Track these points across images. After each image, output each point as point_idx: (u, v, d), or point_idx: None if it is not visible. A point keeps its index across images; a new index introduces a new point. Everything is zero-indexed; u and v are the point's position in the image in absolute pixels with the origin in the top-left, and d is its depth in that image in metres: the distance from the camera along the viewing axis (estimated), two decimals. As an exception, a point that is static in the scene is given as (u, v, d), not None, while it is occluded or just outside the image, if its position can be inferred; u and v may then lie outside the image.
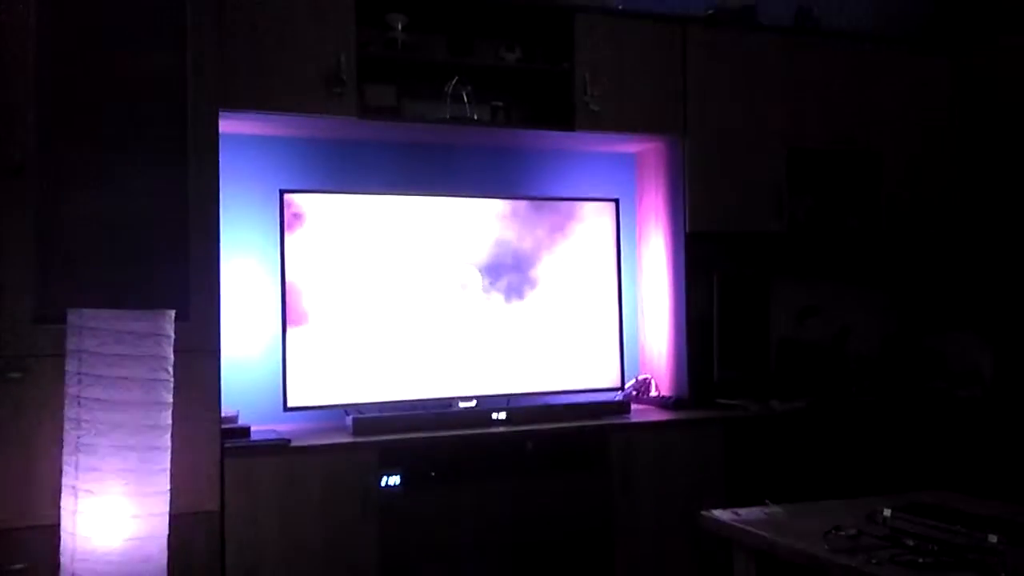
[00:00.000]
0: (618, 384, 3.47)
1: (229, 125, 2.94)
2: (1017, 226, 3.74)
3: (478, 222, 3.28)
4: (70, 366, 2.21)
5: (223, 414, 2.70)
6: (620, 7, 3.43)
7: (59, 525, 2.24)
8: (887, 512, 2.11)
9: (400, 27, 3.13)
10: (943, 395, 3.67)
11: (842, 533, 1.98)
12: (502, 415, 3.13)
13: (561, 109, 3.33)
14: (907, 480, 3.31)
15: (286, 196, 3.04)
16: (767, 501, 2.38)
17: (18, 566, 2.39)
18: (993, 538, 1.87)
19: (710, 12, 3.59)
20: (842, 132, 3.70)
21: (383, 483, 2.85)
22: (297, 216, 3.04)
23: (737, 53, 3.54)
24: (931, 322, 4.03)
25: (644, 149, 3.70)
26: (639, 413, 3.37)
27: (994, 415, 3.66)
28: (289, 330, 3.01)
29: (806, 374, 3.75)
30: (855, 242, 3.95)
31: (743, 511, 2.35)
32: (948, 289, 4.03)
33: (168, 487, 2.30)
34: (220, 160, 2.68)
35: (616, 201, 3.52)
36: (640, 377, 3.65)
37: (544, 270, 3.37)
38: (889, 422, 3.53)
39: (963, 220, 3.92)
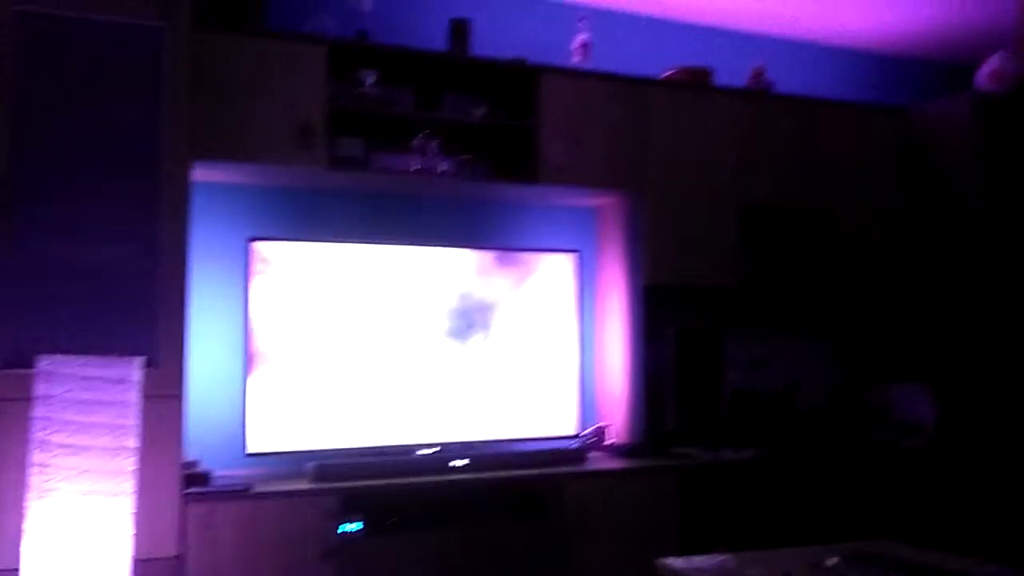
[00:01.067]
0: (575, 432, 3.54)
1: (201, 173, 3.00)
2: (957, 280, 3.90)
3: (443, 271, 3.36)
4: (37, 412, 2.23)
5: (184, 459, 2.72)
6: (583, 67, 3.55)
7: (19, 570, 2.24)
8: (833, 561, 2.20)
9: (370, 82, 3.22)
10: (887, 446, 3.80)
11: (790, 583, 2.06)
12: (462, 462, 3.18)
13: (525, 163, 3.43)
14: (854, 529, 3.42)
15: (253, 244, 3.09)
16: (719, 549, 2.46)
17: (-25, 611, 2.38)
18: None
19: (669, 74, 3.73)
20: (793, 189, 3.85)
21: (343, 529, 2.88)
22: (264, 263, 3.09)
23: (694, 113, 3.68)
24: (877, 374, 4.17)
25: (605, 203, 3.81)
26: (595, 461, 3.44)
27: (936, 466, 3.79)
28: (252, 376, 3.04)
29: (757, 424, 3.85)
30: (805, 296, 4.09)
31: (696, 559, 2.43)
32: (894, 342, 4.18)
33: (132, 532, 2.31)
34: (191, 208, 2.73)
35: (577, 253, 3.62)
36: (597, 425, 3.73)
37: (506, 319, 3.45)
38: (836, 472, 3.64)
39: (908, 274, 4.08)
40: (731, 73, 3.95)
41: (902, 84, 4.69)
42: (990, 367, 3.81)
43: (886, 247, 4.05)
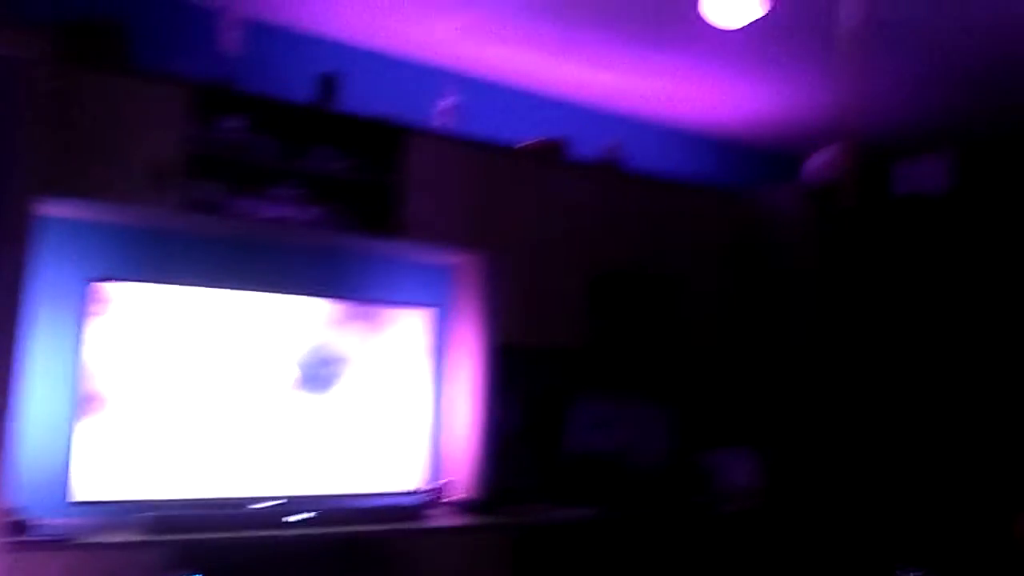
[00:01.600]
0: (421, 487, 3.57)
1: (53, 209, 2.89)
2: (784, 351, 4.20)
3: (297, 321, 3.34)
4: None
5: (5, 507, 2.57)
6: (448, 130, 3.65)
7: None
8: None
9: (234, 127, 3.19)
10: (711, 509, 4.01)
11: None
12: (303, 516, 3.14)
13: (387, 218, 3.47)
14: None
15: (93, 284, 2.98)
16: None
17: None
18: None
19: (529, 143, 3.89)
20: (640, 260, 4.06)
21: (174, 583, 2.80)
22: (107, 304, 2.99)
23: (551, 182, 3.83)
24: (711, 438, 4.40)
25: (462, 262, 3.90)
26: (437, 517, 3.47)
27: (757, 529, 4.03)
28: (83, 421, 2.92)
29: (595, 485, 3.99)
30: (647, 361, 4.29)
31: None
32: (727, 408, 4.44)
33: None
34: (38, 244, 2.63)
35: (433, 309, 3.68)
36: (441, 481, 3.76)
37: (358, 372, 3.46)
38: (663, 534, 3.81)
39: (742, 345, 4.35)
40: (587, 145, 4.15)
41: (742, 168, 5.04)
42: (814, 435, 4.10)
43: (723, 319, 4.32)
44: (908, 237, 4.55)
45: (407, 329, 3.59)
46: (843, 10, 2.22)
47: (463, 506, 3.61)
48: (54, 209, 2.99)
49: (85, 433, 2.92)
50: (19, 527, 2.67)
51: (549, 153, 3.88)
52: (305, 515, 3.15)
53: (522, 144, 3.89)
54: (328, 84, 3.42)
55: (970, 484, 4.60)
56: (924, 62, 3.82)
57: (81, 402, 2.92)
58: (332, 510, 3.26)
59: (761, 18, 2.56)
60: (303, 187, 3.35)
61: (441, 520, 3.43)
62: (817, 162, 4.39)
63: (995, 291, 4.78)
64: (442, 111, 3.71)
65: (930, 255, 4.60)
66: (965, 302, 4.67)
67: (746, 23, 2.49)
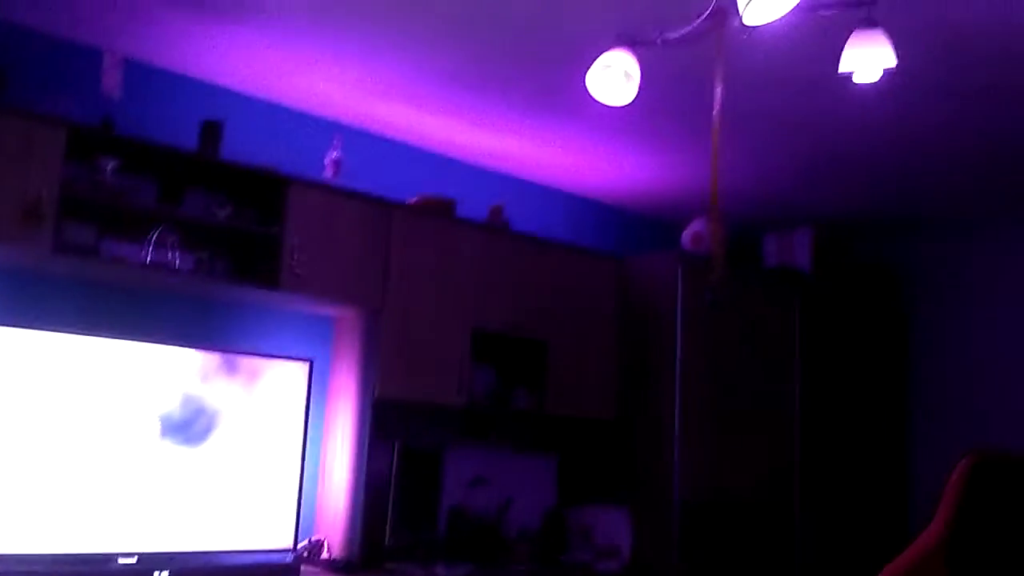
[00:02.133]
0: (291, 545, 3.47)
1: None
2: (657, 409, 4.31)
3: (166, 371, 3.25)
4: None
5: None
6: (334, 183, 3.67)
7: None
8: None
9: (111, 169, 3.13)
10: (585, 568, 4.04)
11: None
12: (165, 574, 3.02)
13: (267, 269, 3.44)
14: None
15: (-46, 324, 2.85)
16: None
17: None
18: None
19: (415, 200, 3.93)
20: (518, 318, 4.13)
21: (20, 645, 2.63)
22: (-36, 346, 2.85)
23: (436, 240, 3.88)
24: (586, 495, 4.45)
25: (343, 314, 3.88)
26: (309, 575, 3.39)
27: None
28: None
29: (472, 542, 3.97)
30: (523, 418, 4.33)
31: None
32: (601, 465, 4.50)
33: None
34: None
35: (310, 362, 3.64)
36: (314, 538, 3.68)
37: (228, 425, 3.37)
38: (541, 591, 3.82)
39: (618, 402, 4.45)
40: (472, 205, 4.23)
41: (623, 232, 5.21)
42: (682, 494, 4.20)
43: (599, 376, 4.41)
44: (778, 306, 4.78)
45: (283, 381, 3.53)
46: (710, 97, 2.41)
47: (337, 564, 3.54)
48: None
49: (-70, 483, 2.74)
50: None
51: (436, 210, 3.94)
52: (168, 572, 3.02)
53: (409, 200, 3.93)
54: (211, 130, 3.40)
55: (843, 537, 4.78)
56: (781, 144, 4.10)
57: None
58: (201, 567, 3.14)
59: (642, 98, 2.71)
60: (181, 233, 3.29)
61: (313, 578, 3.35)
62: (691, 231, 4.60)
63: (854, 358, 5.06)
64: (329, 163, 3.73)
65: (798, 323, 4.84)
66: (829, 369, 4.93)
67: (626, 103, 2.64)
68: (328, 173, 3.71)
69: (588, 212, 5.09)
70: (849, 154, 4.17)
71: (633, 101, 2.66)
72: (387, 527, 3.69)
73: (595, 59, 2.56)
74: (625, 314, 4.53)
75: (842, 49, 2.34)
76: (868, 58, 2.31)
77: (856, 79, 2.41)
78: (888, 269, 5.40)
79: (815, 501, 4.78)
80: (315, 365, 3.68)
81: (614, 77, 2.59)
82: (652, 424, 4.33)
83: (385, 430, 3.72)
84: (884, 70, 2.35)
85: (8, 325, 2.96)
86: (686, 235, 4.57)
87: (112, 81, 3.19)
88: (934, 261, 5.35)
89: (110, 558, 3.03)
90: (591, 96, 2.65)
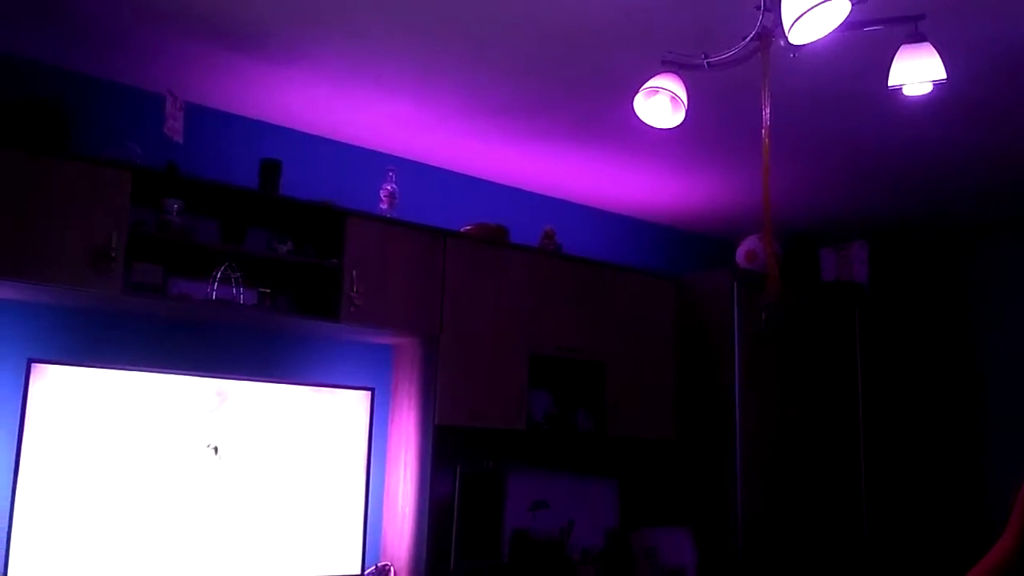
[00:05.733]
0: (358, 571, 3.53)
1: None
2: (718, 429, 4.29)
3: (234, 403, 3.34)
4: None
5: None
6: (389, 215, 3.74)
7: None
8: None
9: (176, 210, 3.24)
10: (654, 588, 4.03)
11: None
12: (239, 602, 3.09)
13: (328, 301, 3.52)
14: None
15: (34, 365, 2.97)
16: None
17: None
18: None
19: (469, 228, 3.99)
20: (575, 341, 4.15)
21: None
22: (44, 385, 2.96)
23: (490, 266, 3.93)
24: (648, 516, 4.44)
25: (402, 343, 3.94)
26: (377, 601, 3.44)
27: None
28: (18, 505, 2.86)
29: (535, 564, 3.99)
30: (583, 441, 4.34)
31: None
32: (664, 486, 4.49)
33: None
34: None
35: (371, 390, 3.70)
36: (380, 564, 3.73)
37: (294, 454, 3.45)
38: (607, 613, 3.81)
39: (678, 424, 4.44)
40: (524, 231, 4.27)
41: (677, 253, 5.21)
42: (745, 512, 4.16)
43: (658, 397, 4.41)
44: (836, 321, 4.73)
45: (345, 410, 3.60)
46: (758, 115, 2.42)
47: (403, 589, 3.58)
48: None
49: (23, 518, 2.85)
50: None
51: (490, 238, 3.99)
52: (241, 600, 3.09)
53: (462, 228, 3.99)
54: (270, 168, 3.50)
55: (907, 558, 4.69)
56: (832, 159, 4.07)
57: (19, 486, 2.87)
58: (269, 595, 3.21)
59: (690, 119, 2.73)
60: (243, 270, 3.39)
61: (380, 604, 3.40)
62: (745, 248, 4.58)
63: (916, 372, 4.98)
64: (384, 195, 3.80)
65: (858, 338, 4.78)
66: (891, 384, 4.85)
67: (674, 126, 2.65)
68: (383, 205, 3.78)
69: (641, 233, 5.10)
70: (901, 166, 4.13)
71: (682, 123, 2.68)
72: (452, 551, 3.73)
73: (642, 84, 2.59)
74: (682, 333, 4.53)
75: (889, 64, 2.34)
76: (917, 70, 2.31)
77: (906, 92, 2.40)
78: (949, 279, 5.30)
79: (883, 517, 4.70)
80: (376, 393, 3.74)
81: (661, 101, 2.61)
82: (713, 443, 4.31)
83: (447, 455, 3.77)
84: (934, 83, 2.34)
85: (82, 364, 3.08)
86: (740, 252, 4.56)
87: (174, 125, 3.30)
88: (996, 268, 5.24)
89: (185, 588, 3.11)
90: (639, 120, 2.67)
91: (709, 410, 4.36)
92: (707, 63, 2.51)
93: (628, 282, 4.40)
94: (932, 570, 4.64)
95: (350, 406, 3.62)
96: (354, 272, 3.52)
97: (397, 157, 4.15)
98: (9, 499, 2.88)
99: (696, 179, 4.40)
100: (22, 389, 2.94)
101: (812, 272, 5.13)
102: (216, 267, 3.33)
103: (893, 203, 4.68)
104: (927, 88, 2.39)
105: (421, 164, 4.25)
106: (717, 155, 4.06)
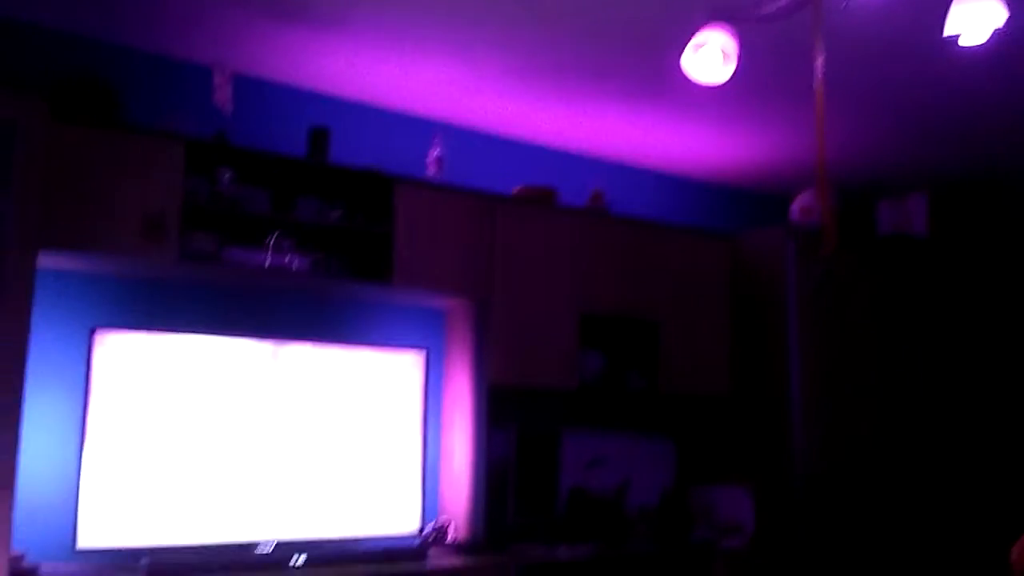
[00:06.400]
0: (417, 529, 3.60)
1: (46, 261, 2.97)
2: (772, 388, 4.26)
3: (291, 366, 3.40)
4: None
5: (11, 554, 2.61)
6: (437, 180, 3.75)
7: None
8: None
9: (227, 180, 3.29)
10: (710, 545, 4.04)
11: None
12: (301, 560, 3.18)
13: (379, 265, 3.56)
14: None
15: (97, 333, 3.06)
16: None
17: None
18: None
19: (517, 190, 3.99)
20: (626, 301, 4.14)
21: (174, 630, 2.82)
22: (107, 352, 3.06)
23: (539, 228, 3.92)
24: (704, 474, 4.44)
25: (454, 305, 3.97)
26: (436, 558, 3.50)
27: (754, 564, 4.05)
28: (86, 468, 2.97)
29: (592, 521, 4.02)
30: (637, 399, 4.35)
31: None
32: (719, 444, 4.48)
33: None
34: (35, 294, 2.70)
35: (425, 351, 3.74)
36: (439, 522, 3.80)
37: (351, 416, 3.51)
38: (664, 569, 3.83)
39: (732, 382, 4.41)
40: (573, 192, 4.25)
41: (729, 211, 5.14)
42: (804, 471, 4.14)
43: (712, 356, 4.38)
44: (894, 276, 4.64)
45: (400, 372, 3.65)
46: (810, 68, 2.35)
47: (462, 546, 3.64)
48: (54, 262, 3.08)
49: (91, 481, 2.96)
50: (25, 574, 2.70)
51: (538, 200, 3.98)
52: (306, 557, 3.17)
53: (511, 191, 3.98)
54: (318, 136, 3.53)
55: (967, 513, 4.63)
56: (887, 110, 3.96)
57: (86, 450, 2.97)
58: (331, 553, 3.29)
59: (740, 73, 2.67)
60: (295, 237, 3.43)
61: (442, 561, 3.46)
62: (800, 204, 4.50)
63: (979, 327, 4.87)
64: (432, 161, 3.81)
65: (916, 294, 4.69)
66: (952, 339, 4.76)
67: (724, 80, 2.60)
68: (431, 171, 3.79)
69: (692, 193, 5.04)
70: (961, 116, 4.00)
71: (731, 77, 2.63)
72: (508, 509, 3.77)
73: (690, 39, 2.54)
74: (737, 291, 4.48)
75: (945, 11, 2.26)
76: (976, 18, 2.22)
77: (961, 43, 2.32)
78: (1013, 231, 5.15)
79: (941, 474, 4.63)
80: (430, 355, 3.78)
81: (710, 56, 2.56)
82: (770, 400, 4.28)
83: (501, 415, 3.81)
84: (992, 31, 2.25)
85: (143, 329, 3.16)
86: (795, 208, 4.48)
87: (223, 95, 3.34)
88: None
89: (250, 547, 3.21)
90: (688, 77, 2.63)
91: (765, 367, 4.32)
92: (757, 14, 2.45)
93: (679, 241, 4.36)
94: (999, 527, 4.57)
95: (404, 368, 3.66)
96: (404, 237, 3.55)
97: (443, 122, 4.15)
98: (77, 461, 2.98)
99: (748, 135, 4.33)
100: (86, 356, 3.03)
101: (869, 226, 5.02)
102: (268, 235, 3.38)
103: (953, 154, 4.55)
104: (983, 37, 2.30)
105: (467, 128, 4.24)
106: (769, 109, 3.98)
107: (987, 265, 4.99)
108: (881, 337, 4.54)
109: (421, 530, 3.62)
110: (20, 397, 2.62)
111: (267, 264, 3.35)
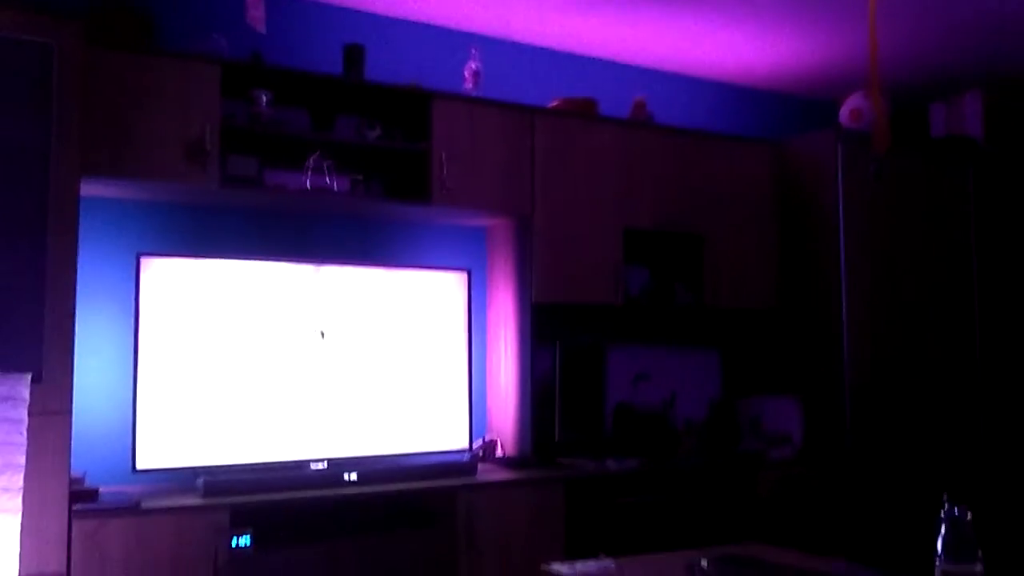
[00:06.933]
0: (466, 445, 3.64)
1: (90, 189, 2.98)
2: (821, 299, 4.19)
3: (335, 288, 3.42)
4: (-81, 428, 2.20)
5: (70, 476, 2.69)
6: (475, 94, 3.69)
7: None
8: (704, 563, 2.36)
9: (264, 102, 3.26)
10: (758, 456, 4.04)
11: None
12: (353, 476, 3.23)
13: (419, 185, 3.53)
14: (725, 533, 3.62)
15: (143, 259, 3.08)
16: (601, 555, 2.59)
17: None
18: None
19: (556, 103, 3.91)
20: (671, 214, 4.07)
21: (234, 544, 2.90)
22: (153, 278, 3.09)
23: (579, 141, 3.85)
24: (751, 387, 4.42)
25: (495, 224, 3.94)
26: (485, 473, 3.54)
27: (802, 474, 4.05)
28: (140, 391, 3.03)
29: (639, 435, 4.04)
30: (682, 314, 4.31)
31: (579, 564, 2.55)
32: (766, 356, 4.45)
33: (18, 550, 2.29)
34: (80, 222, 2.72)
35: (468, 271, 3.73)
36: (487, 438, 3.84)
37: (397, 336, 3.53)
38: (711, 481, 3.85)
39: (780, 293, 4.36)
40: (614, 103, 4.15)
41: (775, 117, 5.00)
42: (853, 380, 4.10)
43: (759, 267, 4.32)
44: (948, 179, 4.50)
45: (444, 292, 3.65)
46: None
47: (511, 461, 3.68)
48: (98, 190, 3.10)
49: (146, 403, 3.03)
50: (88, 495, 2.78)
51: (579, 112, 3.90)
52: (357, 474, 3.23)
53: (550, 104, 3.90)
54: (354, 54, 3.48)
55: (1016, 425, 4.57)
56: (939, 4, 3.78)
57: (140, 374, 3.03)
58: (382, 469, 3.35)
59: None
60: (334, 158, 3.41)
61: (491, 475, 3.50)
62: (849, 107, 4.35)
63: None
64: (468, 75, 3.74)
65: (971, 199, 4.55)
66: (1009, 246, 4.62)
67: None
68: (468, 85, 3.73)
69: (737, 99, 4.90)
70: (1015, 6, 3.80)
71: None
72: (555, 425, 3.80)
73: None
74: (783, 200, 4.39)
75: None
76: None
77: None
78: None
79: (998, 386, 4.55)
80: (473, 274, 3.77)
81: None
82: (818, 311, 4.22)
83: (546, 332, 3.80)
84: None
85: (187, 256, 3.18)
86: (844, 111, 4.33)
87: (256, 15, 3.29)
88: None
89: (304, 464, 3.27)
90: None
91: (813, 277, 4.25)
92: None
93: (724, 150, 4.26)
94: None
95: (448, 288, 3.66)
96: (443, 154, 3.50)
97: (479, 35, 4.05)
98: (132, 384, 3.04)
99: (795, 36, 4.17)
100: (135, 282, 3.06)
101: (921, 129, 4.86)
102: (308, 156, 3.36)
103: (1011, 47, 4.35)
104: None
105: (504, 41, 4.15)
106: (817, 8, 3.82)
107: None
108: (934, 245, 4.43)
109: (470, 446, 3.66)
110: (71, 322, 2.67)
111: (308, 186, 3.34)
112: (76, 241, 2.70)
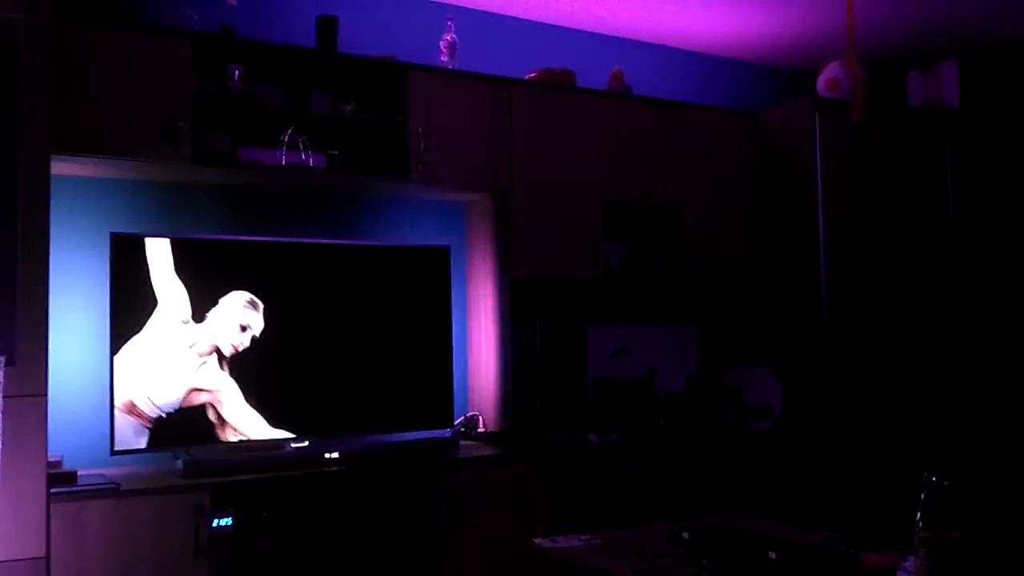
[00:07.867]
0: (447, 422, 3.63)
1: (61, 167, 2.92)
2: (800, 270, 4.20)
3: (312, 266, 3.38)
4: None
5: (48, 459, 2.66)
6: (451, 66, 3.64)
7: None
8: (686, 535, 2.37)
9: (237, 77, 3.21)
10: (737, 428, 4.06)
11: (646, 555, 2.22)
12: (334, 455, 3.22)
13: (396, 160, 3.49)
14: (707, 505, 3.65)
15: (117, 238, 3.03)
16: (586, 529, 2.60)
17: None
18: (772, 554, 2.16)
19: (533, 75, 3.87)
20: (650, 187, 4.05)
21: (215, 524, 2.88)
22: (128, 257, 3.04)
23: (557, 114, 3.82)
24: (730, 359, 4.43)
25: (473, 199, 3.91)
26: (467, 449, 3.54)
27: (781, 445, 4.08)
28: (118, 372, 2.99)
29: (619, 409, 4.04)
30: (662, 287, 4.31)
31: (561, 539, 2.56)
32: (745, 329, 4.46)
33: (-6, 536, 2.27)
34: (52, 202, 2.67)
35: (447, 248, 3.71)
36: (468, 415, 3.83)
37: (376, 314, 3.50)
38: (691, 453, 3.87)
39: (758, 265, 4.36)
40: (591, 74, 4.12)
41: (752, 88, 4.98)
42: (832, 352, 4.12)
43: (737, 239, 4.32)
44: (925, 148, 4.51)
45: (422, 269, 3.62)
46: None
47: (493, 437, 3.68)
48: (70, 168, 3.03)
49: (123, 384, 2.99)
50: (66, 477, 2.75)
51: (556, 83, 3.86)
52: (338, 453, 3.22)
53: (527, 76, 3.86)
54: (326, 27, 3.42)
55: (992, 396, 4.61)
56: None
57: (117, 355, 2.99)
58: (364, 447, 3.34)
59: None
60: (309, 133, 3.36)
61: (473, 451, 3.50)
62: (826, 76, 4.34)
63: (1013, 201, 4.74)
64: (444, 47, 3.69)
65: (947, 167, 4.56)
66: (985, 213, 4.65)
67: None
68: (444, 57, 3.68)
69: (714, 70, 4.87)
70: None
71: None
72: (536, 399, 3.80)
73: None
74: (761, 170, 4.38)
75: None
76: None
77: None
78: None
79: (975, 354, 4.59)
80: (453, 250, 3.74)
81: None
82: (798, 283, 4.23)
83: (526, 308, 3.79)
84: None
85: (162, 235, 3.13)
86: (821, 81, 4.32)
87: (227, -12, 3.23)
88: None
89: (285, 443, 3.25)
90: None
91: (792, 249, 4.26)
92: None
93: (702, 121, 4.24)
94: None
95: (428, 264, 3.63)
96: (419, 129, 3.47)
97: (454, 5, 3.99)
98: (109, 365, 3.01)
99: (772, 5, 4.15)
100: (109, 262, 3.01)
101: (898, 98, 4.86)
102: (282, 132, 3.31)
103: (986, 16, 4.34)
104: None
105: (480, 11, 4.09)
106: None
107: (1022, 136, 4.83)
108: (911, 214, 4.44)
109: (451, 423, 3.66)
110: (44, 304, 2.63)
111: (283, 162, 3.29)
112: (47, 221, 2.65)
